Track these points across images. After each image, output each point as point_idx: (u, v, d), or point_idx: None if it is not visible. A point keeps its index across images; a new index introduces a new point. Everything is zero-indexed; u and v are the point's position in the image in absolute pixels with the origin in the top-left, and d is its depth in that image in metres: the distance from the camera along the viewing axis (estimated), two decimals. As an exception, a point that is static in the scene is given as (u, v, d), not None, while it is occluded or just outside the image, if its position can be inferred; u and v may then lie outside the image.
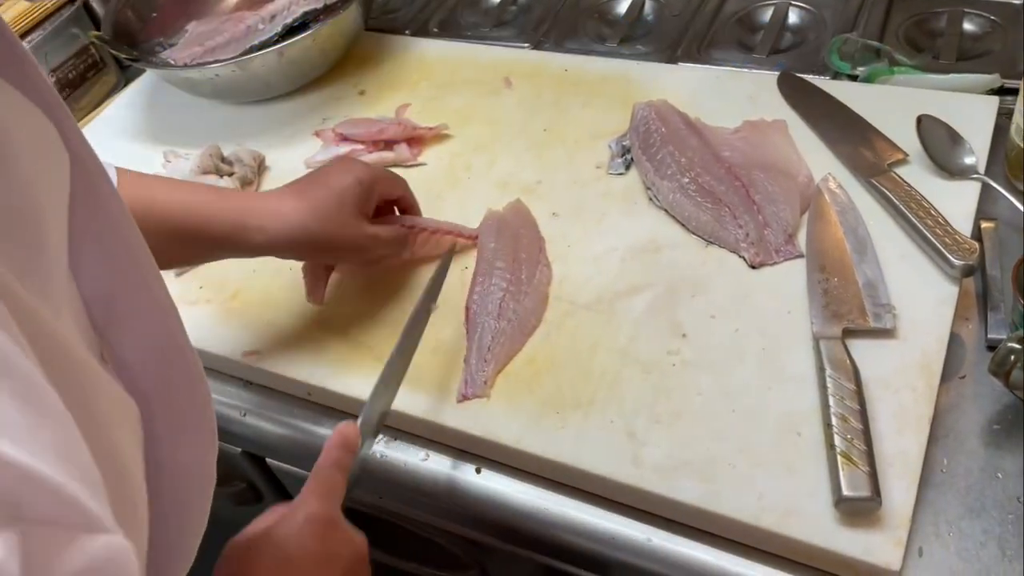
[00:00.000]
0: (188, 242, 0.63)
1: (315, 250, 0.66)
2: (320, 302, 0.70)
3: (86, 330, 0.36)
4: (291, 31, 0.94)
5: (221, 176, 0.83)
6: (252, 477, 0.80)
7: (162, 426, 0.39)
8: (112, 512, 0.27)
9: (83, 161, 0.37)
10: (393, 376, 0.61)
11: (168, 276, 0.79)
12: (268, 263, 0.78)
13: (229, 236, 0.62)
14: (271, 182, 0.87)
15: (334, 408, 0.69)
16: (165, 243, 0.60)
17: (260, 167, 0.88)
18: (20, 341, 0.26)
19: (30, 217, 0.32)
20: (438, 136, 0.87)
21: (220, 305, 0.76)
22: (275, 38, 0.93)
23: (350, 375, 0.67)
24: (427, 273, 0.73)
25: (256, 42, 0.94)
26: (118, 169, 0.62)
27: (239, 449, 0.76)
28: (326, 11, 0.95)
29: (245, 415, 0.72)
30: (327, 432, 0.68)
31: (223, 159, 0.86)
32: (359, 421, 0.56)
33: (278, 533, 0.48)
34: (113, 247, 0.38)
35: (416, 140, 0.87)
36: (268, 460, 0.77)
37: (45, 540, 0.25)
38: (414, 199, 0.72)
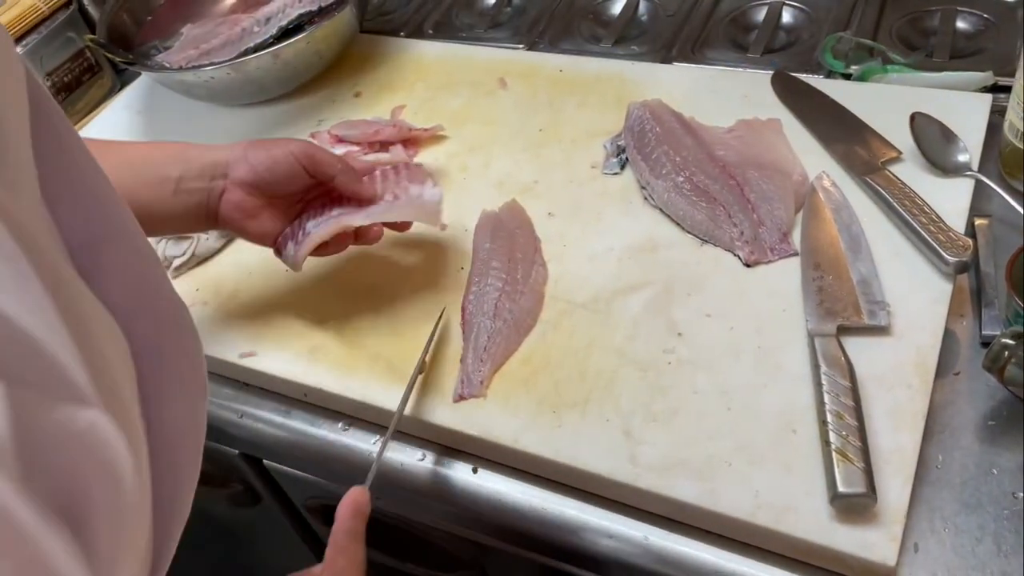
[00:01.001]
0: (140, 185, 0.63)
1: (252, 170, 0.65)
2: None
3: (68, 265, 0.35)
4: (286, 33, 0.94)
5: (217, 178, 0.83)
6: (249, 479, 0.80)
7: (154, 380, 0.38)
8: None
9: (48, 115, 0.36)
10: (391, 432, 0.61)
11: (164, 278, 0.80)
12: (262, 263, 0.78)
13: (174, 160, 0.64)
14: (267, 184, 0.87)
15: (331, 409, 0.69)
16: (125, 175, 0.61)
17: (256, 169, 0.88)
18: None
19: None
20: (434, 137, 0.87)
21: (217, 307, 0.76)
22: (270, 40, 0.93)
23: (347, 376, 0.67)
24: (425, 273, 0.74)
25: (251, 44, 0.94)
26: None
27: (236, 451, 0.76)
28: (321, 13, 0.95)
29: (242, 417, 0.72)
30: (324, 433, 0.69)
31: (219, 161, 0.86)
32: (367, 483, 0.56)
33: None
34: (87, 196, 0.38)
35: (412, 141, 0.87)
36: (265, 462, 0.77)
37: (29, 402, 0.24)
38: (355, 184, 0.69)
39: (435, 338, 0.67)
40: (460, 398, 0.63)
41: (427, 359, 0.66)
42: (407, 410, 0.64)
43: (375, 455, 0.60)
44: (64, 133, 0.37)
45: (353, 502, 0.54)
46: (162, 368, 0.40)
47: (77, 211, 0.36)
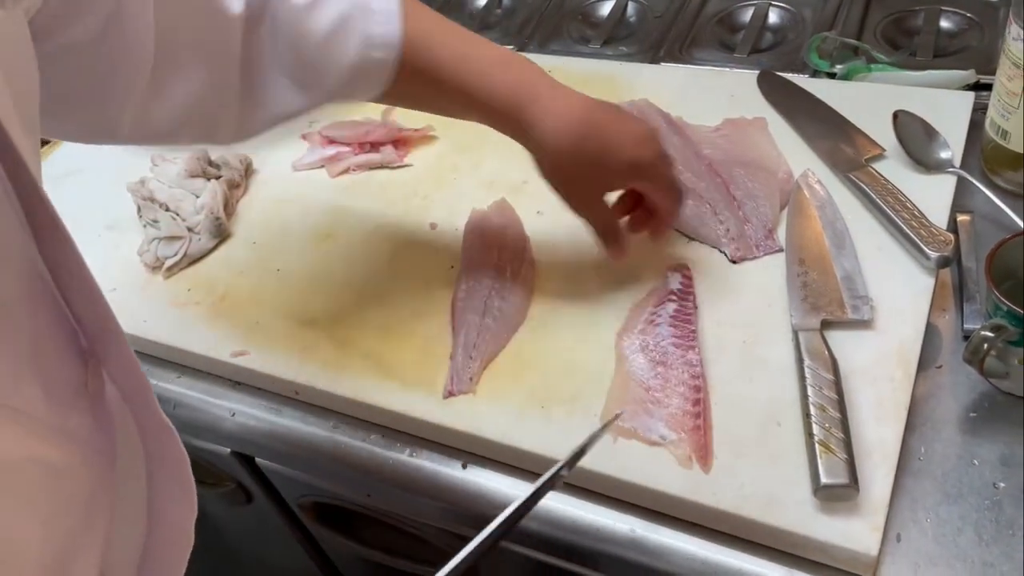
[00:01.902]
0: (469, 113, 0.61)
1: (587, 153, 0.59)
2: (623, 256, 0.64)
3: (46, 358, 0.36)
4: (277, 35, 0.94)
5: (208, 179, 0.84)
6: (242, 478, 0.81)
7: (158, 479, 0.39)
8: None
9: (44, 203, 0.36)
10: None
11: (156, 278, 0.80)
12: (253, 263, 0.79)
13: (501, 123, 0.61)
14: (258, 185, 0.88)
15: (322, 407, 0.70)
16: (450, 106, 0.63)
17: (247, 170, 0.89)
18: None
19: None
20: (424, 137, 0.88)
21: (208, 307, 0.76)
22: (261, 42, 0.94)
23: (338, 374, 0.68)
24: (416, 272, 0.74)
25: None
26: (413, 10, 0.60)
27: (228, 449, 0.77)
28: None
29: (234, 415, 0.72)
30: (315, 431, 0.69)
31: (210, 162, 0.86)
32: None
33: None
34: (90, 294, 0.38)
35: (402, 142, 0.88)
36: (257, 460, 0.77)
37: None
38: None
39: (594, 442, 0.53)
40: (450, 394, 0.64)
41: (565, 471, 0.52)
42: (395, 402, 0.64)
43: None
44: (60, 224, 0.37)
45: None
46: (163, 470, 0.42)
47: (87, 306, 0.38)
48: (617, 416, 0.59)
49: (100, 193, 0.87)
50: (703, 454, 0.57)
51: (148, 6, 0.50)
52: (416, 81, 0.60)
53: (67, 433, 0.37)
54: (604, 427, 0.54)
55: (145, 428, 0.41)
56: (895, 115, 0.74)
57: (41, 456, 0.35)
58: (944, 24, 0.89)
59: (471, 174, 0.83)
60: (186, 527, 0.43)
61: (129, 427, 0.41)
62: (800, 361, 0.59)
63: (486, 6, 1.09)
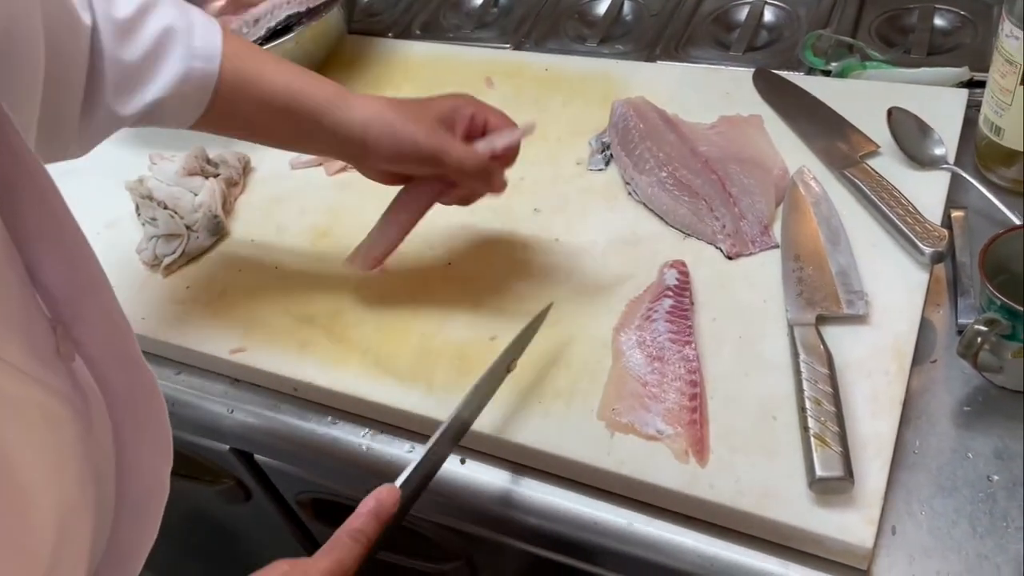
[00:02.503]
0: (292, 115, 0.64)
1: (396, 147, 0.63)
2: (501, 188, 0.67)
3: (26, 323, 0.37)
4: (274, 34, 0.95)
5: (207, 177, 0.84)
6: (240, 474, 0.81)
7: (128, 430, 0.40)
8: None
9: (32, 173, 0.38)
10: (451, 435, 0.57)
11: (155, 276, 0.80)
12: (252, 261, 0.79)
13: (324, 109, 0.63)
14: (256, 183, 0.88)
15: (321, 404, 0.70)
16: (270, 114, 0.64)
17: (245, 169, 0.89)
18: None
19: None
20: (421, 135, 0.88)
21: (207, 304, 0.76)
22: (259, 42, 0.94)
23: (336, 371, 0.68)
24: (413, 269, 0.75)
25: None
26: (228, 34, 0.64)
27: (227, 446, 0.77)
28: (309, 14, 0.96)
29: (232, 412, 0.72)
30: (314, 428, 0.69)
31: (208, 161, 0.87)
32: (400, 481, 0.51)
33: None
34: (68, 254, 0.40)
35: (399, 140, 0.88)
36: (256, 456, 0.78)
37: None
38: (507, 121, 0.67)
39: (535, 330, 0.62)
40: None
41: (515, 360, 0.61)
42: (392, 399, 0.65)
43: (424, 449, 0.55)
44: (48, 191, 0.39)
45: (376, 500, 0.49)
46: (136, 422, 0.43)
47: (60, 268, 0.39)
48: (549, 306, 0.64)
49: (98, 191, 0.87)
50: (700, 448, 0.57)
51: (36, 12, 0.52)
52: (239, 94, 0.63)
53: (53, 389, 0.38)
54: (546, 309, 0.63)
55: (121, 381, 0.42)
56: (889, 112, 0.74)
57: (40, 401, 0.36)
58: (938, 22, 0.90)
59: (468, 172, 0.83)
60: (161, 477, 0.44)
61: (96, 395, 0.41)
62: (796, 356, 0.59)
63: (482, 5, 1.09)
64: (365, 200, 0.83)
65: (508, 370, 0.61)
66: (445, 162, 0.63)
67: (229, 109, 0.64)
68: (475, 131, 0.66)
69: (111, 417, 0.42)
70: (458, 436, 0.58)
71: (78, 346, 0.40)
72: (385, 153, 0.64)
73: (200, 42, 0.62)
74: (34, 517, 0.34)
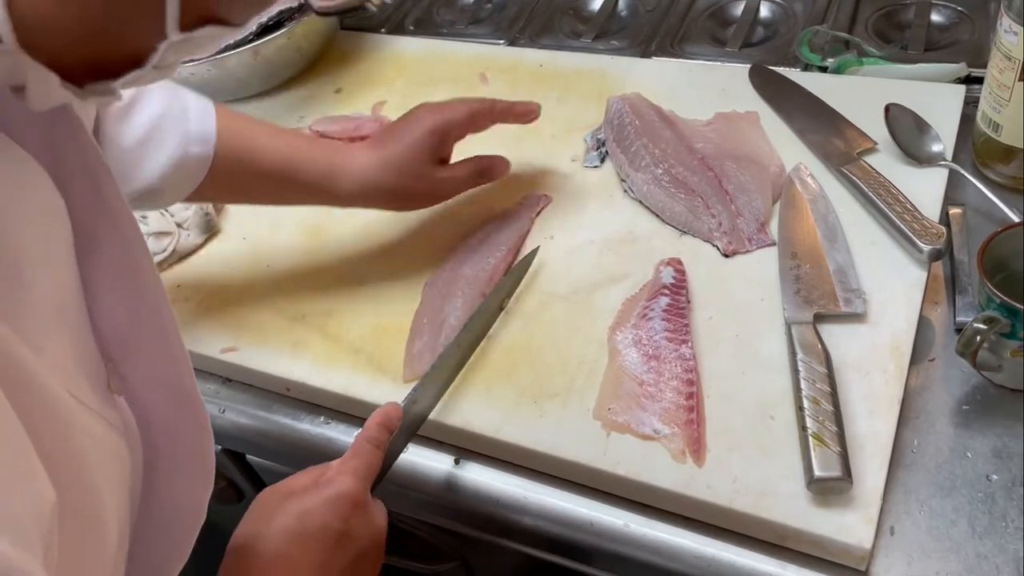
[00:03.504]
0: (285, 186, 0.68)
1: (393, 200, 0.68)
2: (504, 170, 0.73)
3: (89, 362, 0.39)
4: (266, 30, 0.94)
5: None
6: (232, 475, 0.80)
7: (164, 462, 0.41)
8: (59, 547, 0.28)
9: (118, 224, 0.40)
10: (446, 370, 0.61)
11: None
12: (243, 259, 0.78)
13: (318, 184, 0.67)
14: (248, 180, 0.87)
15: (313, 404, 0.69)
16: (264, 185, 0.68)
17: (237, 166, 0.88)
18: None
19: (7, 262, 0.34)
20: (415, 132, 0.87)
21: (198, 304, 0.76)
22: (250, 37, 0.93)
23: (329, 370, 0.68)
24: (407, 268, 0.74)
25: (231, 41, 0.94)
26: (222, 111, 0.66)
27: (219, 447, 0.76)
28: (301, 10, 0.95)
29: (224, 412, 0.72)
30: (307, 428, 0.69)
31: (199, 158, 0.86)
32: (403, 402, 0.58)
33: (305, 502, 0.50)
34: (133, 294, 0.41)
35: (393, 136, 0.87)
36: (248, 457, 0.77)
37: None
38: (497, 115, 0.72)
39: (526, 271, 0.68)
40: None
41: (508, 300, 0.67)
42: (386, 398, 0.64)
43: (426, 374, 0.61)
44: (132, 242, 0.41)
45: (383, 413, 0.56)
46: (176, 454, 0.44)
47: (124, 313, 0.40)
48: (536, 249, 0.70)
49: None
50: (696, 448, 0.56)
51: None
52: (234, 170, 0.66)
53: (112, 424, 0.39)
54: (534, 252, 0.69)
55: (168, 416, 0.43)
56: (887, 108, 0.74)
57: (106, 435, 0.37)
58: (935, 18, 0.89)
59: (462, 169, 0.83)
60: (199, 503, 0.46)
61: (131, 428, 0.42)
62: (793, 354, 0.59)
63: (476, 1, 1.09)
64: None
65: (501, 308, 0.66)
66: (440, 200, 0.71)
67: (223, 184, 0.66)
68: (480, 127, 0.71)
69: (149, 448, 0.42)
70: (457, 369, 0.62)
71: (123, 381, 0.41)
72: (381, 208, 0.71)
73: (195, 126, 0.64)
74: (109, 549, 0.35)
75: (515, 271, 0.68)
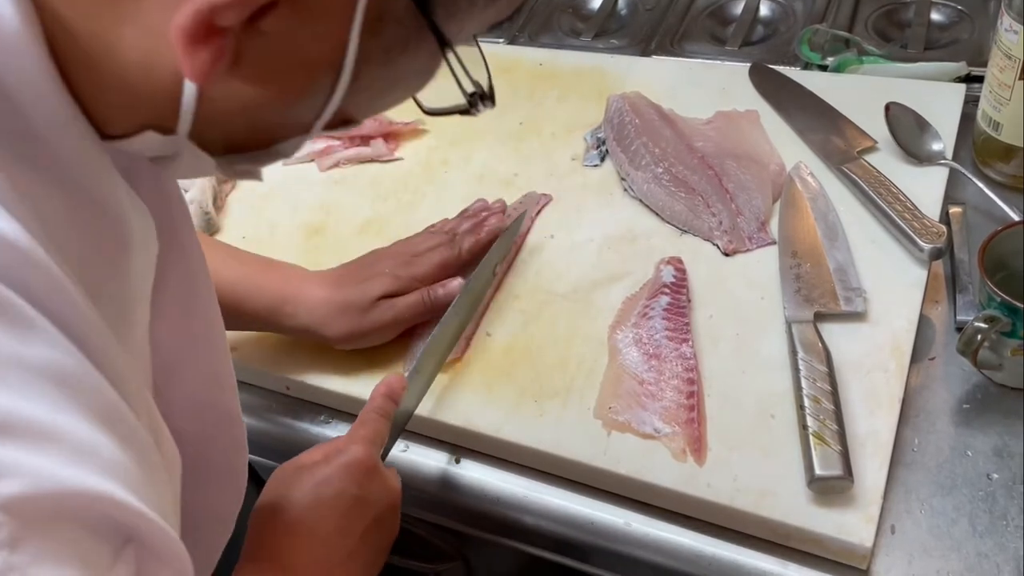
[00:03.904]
0: (230, 315, 0.63)
1: (340, 342, 0.66)
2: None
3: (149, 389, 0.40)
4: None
5: (197, 173, 0.83)
6: (233, 474, 0.80)
7: (190, 473, 0.42)
8: None
9: (187, 256, 0.41)
10: (446, 337, 0.62)
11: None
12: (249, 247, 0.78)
13: (265, 317, 0.65)
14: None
15: (312, 402, 0.69)
16: None
17: (236, 164, 0.88)
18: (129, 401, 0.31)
19: (129, 301, 0.37)
20: (414, 131, 0.87)
21: (197, 302, 0.76)
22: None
23: (328, 369, 0.67)
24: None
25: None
26: None
27: (219, 446, 0.76)
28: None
29: (224, 411, 0.71)
30: (306, 427, 0.69)
31: (199, 157, 0.86)
32: (407, 372, 0.59)
33: (320, 472, 0.51)
34: (192, 320, 0.43)
35: (392, 135, 0.87)
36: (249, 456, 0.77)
37: (153, 567, 0.29)
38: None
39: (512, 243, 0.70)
40: None
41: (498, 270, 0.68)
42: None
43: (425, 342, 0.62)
44: (198, 274, 0.43)
45: (387, 385, 0.57)
46: (208, 467, 0.45)
47: (178, 335, 0.41)
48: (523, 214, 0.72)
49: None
50: (697, 447, 0.56)
51: None
52: None
53: (166, 436, 0.40)
54: (522, 215, 0.71)
55: (203, 431, 0.45)
56: (887, 107, 0.74)
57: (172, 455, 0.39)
58: (935, 16, 0.89)
59: (461, 168, 0.83)
60: (226, 517, 0.47)
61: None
62: (794, 353, 0.59)
63: None
64: (357, 197, 0.83)
65: (494, 274, 0.68)
66: (391, 336, 0.67)
67: None
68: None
69: (181, 451, 0.43)
70: (456, 335, 0.64)
71: (163, 402, 0.42)
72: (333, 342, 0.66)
73: None
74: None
75: (505, 236, 0.68)
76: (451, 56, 0.33)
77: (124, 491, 0.28)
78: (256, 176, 0.38)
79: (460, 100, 0.37)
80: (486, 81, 0.37)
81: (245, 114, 0.32)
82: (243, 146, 0.36)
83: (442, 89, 0.37)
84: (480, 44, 0.37)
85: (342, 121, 0.36)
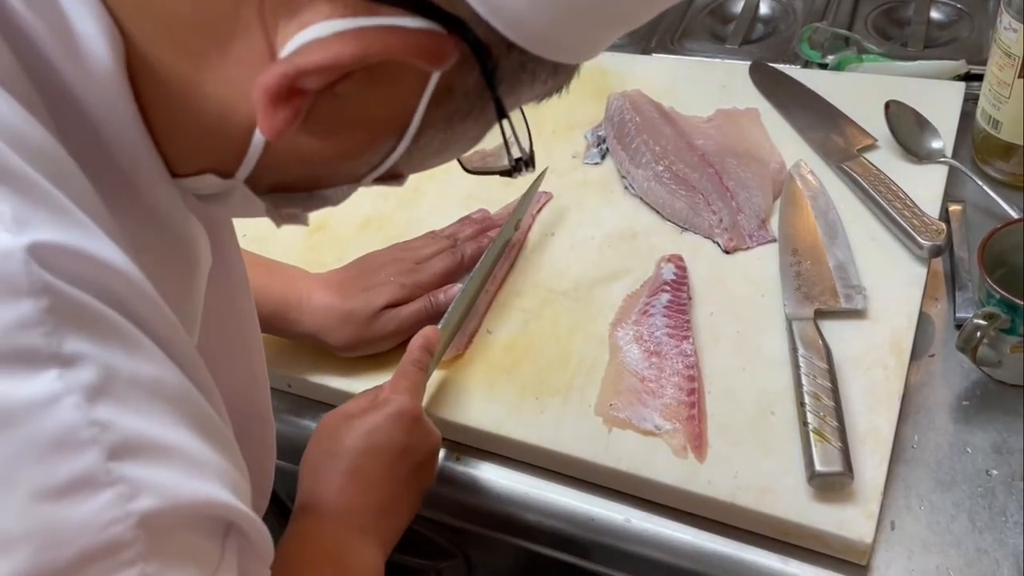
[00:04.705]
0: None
1: (343, 350, 0.66)
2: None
3: None
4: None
5: (198, 172, 0.83)
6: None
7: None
8: None
9: (227, 257, 0.43)
10: (471, 290, 0.66)
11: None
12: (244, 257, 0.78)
13: (268, 322, 0.65)
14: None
15: (315, 400, 0.69)
16: None
17: (237, 162, 0.88)
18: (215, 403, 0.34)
19: (195, 318, 0.39)
20: (415, 129, 0.87)
21: (199, 300, 0.76)
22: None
23: (330, 367, 0.68)
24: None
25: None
26: None
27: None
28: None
29: (226, 408, 0.72)
30: (309, 423, 0.69)
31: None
32: (440, 325, 0.62)
33: (369, 420, 0.55)
34: (232, 328, 0.44)
35: (393, 133, 0.87)
36: (250, 453, 0.77)
37: (249, 555, 0.32)
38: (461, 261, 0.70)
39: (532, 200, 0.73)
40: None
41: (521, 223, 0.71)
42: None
43: (456, 300, 0.64)
44: (237, 271, 0.45)
45: (424, 338, 0.59)
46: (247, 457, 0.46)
47: (216, 334, 0.43)
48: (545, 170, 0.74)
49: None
50: (698, 443, 0.57)
51: None
52: None
53: None
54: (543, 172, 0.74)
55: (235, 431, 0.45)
56: (887, 105, 0.74)
57: None
58: (934, 15, 0.90)
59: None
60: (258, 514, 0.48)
61: None
62: (794, 350, 0.59)
63: (477, -3, 1.09)
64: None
65: (516, 228, 0.71)
66: (396, 343, 0.67)
67: None
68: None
69: None
70: (481, 285, 0.67)
71: None
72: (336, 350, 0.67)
73: None
74: None
75: (527, 195, 0.72)
76: (505, 125, 0.35)
77: (230, 495, 0.30)
78: (303, 221, 0.39)
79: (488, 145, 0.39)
80: (528, 146, 0.39)
81: (303, 166, 0.34)
82: (292, 187, 0.37)
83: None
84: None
85: (391, 176, 0.37)
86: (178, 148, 0.33)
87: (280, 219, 0.38)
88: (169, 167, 0.34)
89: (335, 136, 0.32)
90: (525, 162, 0.40)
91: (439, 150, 0.36)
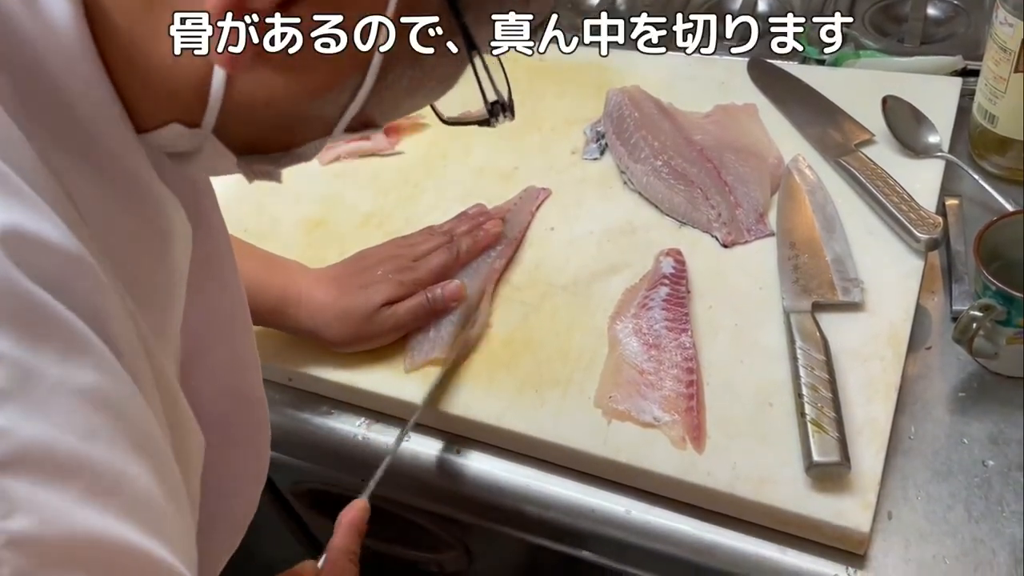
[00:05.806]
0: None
1: (341, 346, 0.67)
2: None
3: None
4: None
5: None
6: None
7: (215, 454, 0.42)
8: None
9: (210, 226, 0.42)
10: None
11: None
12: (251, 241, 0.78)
13: (266, 317, 0.65)
14: (249, 173, 0.88)
15: (315, 393, 0.70)
16: None
17: (238, 159, 0.89)
18: (159, 412, 0.32)
19: (172, 289, 0.37)
20: (415, 125, 0.88)
21: (200, 295, 0.76)
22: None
23: (330, 361, 0.68)
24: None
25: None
26: None
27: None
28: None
29: (227, 402, 0.72)
30: (308, 417, 0.69)
31: (200, 151, 0.86)
32: (366, 494, 0.58)
33: None
34: (217, 300, 0.43)
35: (393, 129, 0.87)
36: (251, 448, 0.77)
37: None
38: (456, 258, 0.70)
39: None
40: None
41: None
42: (388, 388, 0.64)
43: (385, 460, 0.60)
44: (222, 250, 0.44)
45: (352, 521, 0.55)
46: (229, 448, 0.46)
47: (205, 314, 0.42)
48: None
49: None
50: (697, 435, 0.57)
51: None
52: None
53: (190, 416, 0.40)
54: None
55: (225, 412, 0.45)
56: (884, 101, 0.74)
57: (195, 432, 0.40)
58: (931, 11, 0.90)
59: (462, 161, 0.83)
60: (251, 497, 0.49)
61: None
62: (792, 343, 0.59)
63: (476, -5, 1.09)
64: (359, 190, 0.83)
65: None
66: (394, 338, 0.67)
67: None
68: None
69: (205, 435, 0.44)
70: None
71: (187, 383, 0.42)
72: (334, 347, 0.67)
73: None
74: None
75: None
76: (477, 63, 0.33)
77: (142, 533, 0.27)
78: (275, 177, 0.38)
79: (474, 108, 0.37)
80: (506, 93, 0.37)
81: (270, 108, 0.32)
82: (265, 146, 0.36)
83: (455, 100, 0.37)
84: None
85: (363, 124, 0.35)
86: (140, 98, 0.32)
87: (252, 175, 0.37)
88: (134, 122, 0.33)
89: (297, 70, 0.31)
90: (503, 106, 0.37)
91: (409, 89, 0.35)
